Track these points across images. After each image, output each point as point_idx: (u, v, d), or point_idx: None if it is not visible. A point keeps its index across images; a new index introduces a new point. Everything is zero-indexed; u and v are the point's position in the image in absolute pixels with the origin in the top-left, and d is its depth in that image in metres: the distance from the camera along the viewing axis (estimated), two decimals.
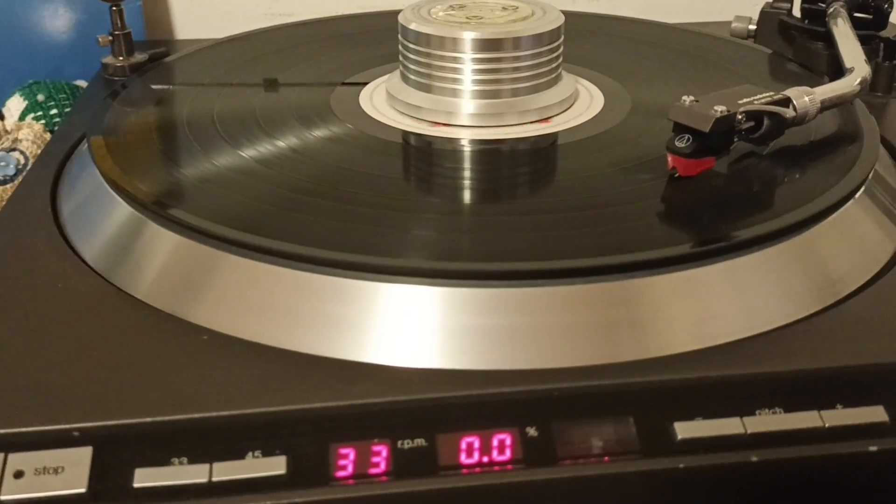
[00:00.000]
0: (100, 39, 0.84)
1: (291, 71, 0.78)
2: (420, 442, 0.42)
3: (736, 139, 0.56)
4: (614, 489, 0.42)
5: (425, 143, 0.64)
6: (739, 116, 0.54)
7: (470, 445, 0.42)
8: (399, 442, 0.42)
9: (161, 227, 0.53)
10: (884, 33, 0.80)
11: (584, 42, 0.83)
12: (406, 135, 0.64)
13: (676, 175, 0.55)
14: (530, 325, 0.47)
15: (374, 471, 0.41)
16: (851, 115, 0.67)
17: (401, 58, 0.68)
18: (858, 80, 0.65)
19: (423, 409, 0.43)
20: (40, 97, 0.87)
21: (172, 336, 0.47)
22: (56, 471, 0.40)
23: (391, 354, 0.46)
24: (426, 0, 0.70)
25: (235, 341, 0.47)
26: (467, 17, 0.66)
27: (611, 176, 0.59)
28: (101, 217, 0.57)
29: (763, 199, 0.56)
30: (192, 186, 0.58)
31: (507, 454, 0.42)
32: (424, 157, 0.65)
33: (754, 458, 0.42)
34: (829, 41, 0.77)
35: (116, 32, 0.84)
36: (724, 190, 0.57)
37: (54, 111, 0.86)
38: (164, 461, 0.40)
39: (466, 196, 0.58)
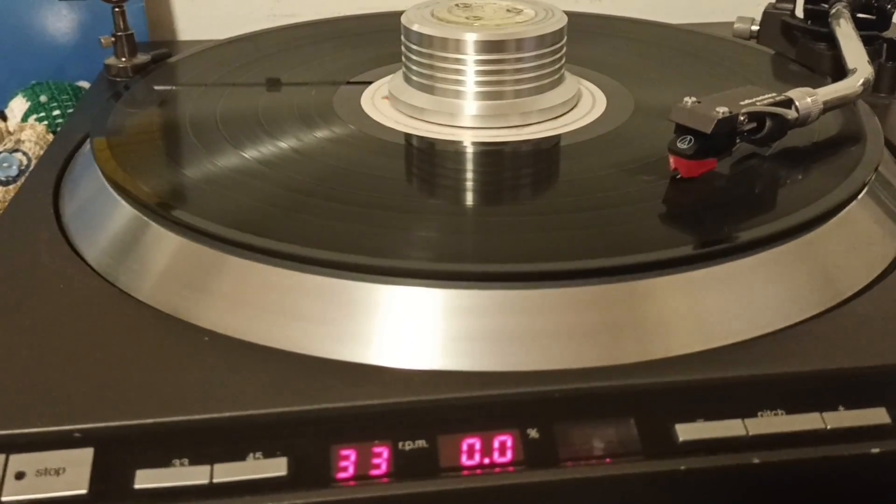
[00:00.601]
0: (102, 40, 0.84)
1: (294, 71, 0.78)
2: (421, 443, 0.42)
3: (738, 140, 0.56)
4: (616, 491, 0.42)
5: (428, 144, 0.64)
6: (741, 118, 0.54)
7: (471, 447, 0.42)
8: (400, 443, 0.42)
9: (163, 228, 0.53)
10: (887, 34, 0.80)
11: (586, 42, 0.83)
12: (408, 136, 0.64)
13: (678, 176, 0.55)
14: (532, 326, 0.47)
15: (375, 472, 0.41)
16: (854, 115, 0.67)
17: (403, 59, 0.68)
18: (861, 81, 0.65)
19: (424, 410, 0.43)
20: (43, 98, 0.87)
21: (174, 337, 0.47)
22: (57, 472, 0.40)
23: (392, 356, 0.46)
24: (429, 1, 0.70)
25: (237, 342, 0.47)
26: (470, 18, 0.66)
27: (613, 177, 0.59)
28: (103, 218, 0.57)
29: (765, 200, 0.56)
30: (195, 187, 0.58)
31: (509, 456, 0.42)
32: (427, 158, 0.65)
33: (756, 460, 0.42)
34: (832, 42, 0.77)
35: (119, 33, 0.84)
36: (726, 191, 0.57)
37: (57, 112, 0.86)
38: (165, 462, 0.40)
39: (468, 197, 0.58)
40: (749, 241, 0.50)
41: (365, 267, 0.48)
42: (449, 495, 0.41)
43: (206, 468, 0.40)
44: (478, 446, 0.42)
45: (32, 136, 0.81)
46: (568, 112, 0.67)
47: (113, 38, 0.84)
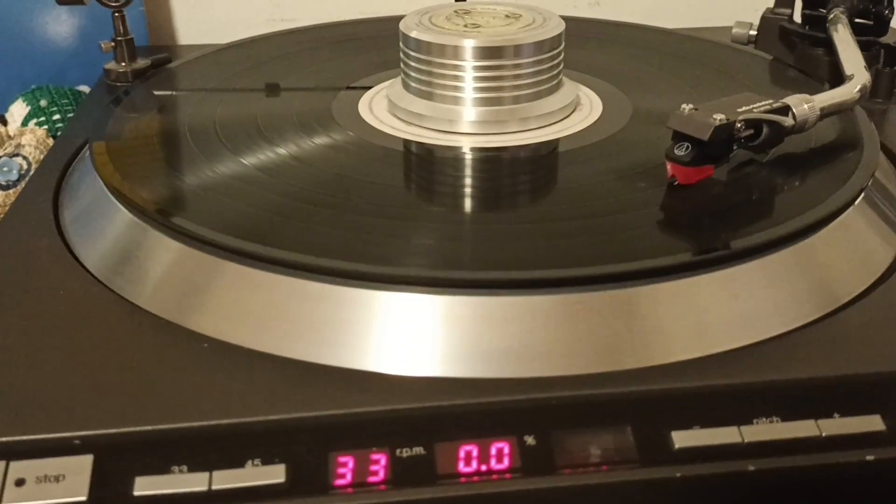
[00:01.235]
0: (102, 45, 0.84)
1: (293, 77, 0.78)
2: (419, 450, 0.42)
3: (735, 147, 0.57)
4: (612, 498, 0.42)
5: (426, 150, 0.64)
6: (738, 125, 0.54)
7: (468, 454, 0.42)
8: (398, 450, 0.42)
9: (162, 234, 0.53)
10: (884, 39, 0.80)
11: (584, 48, 0.83)
12: (407, 143, 0.65)
13: (676, 183, 0.56)
14: (529, 333, 0.47)
15: (372, 479, 0.41)
16: (851, 121, 0.67)
17: (402, 65, 0.68)
18: (858, 88, 0.65)
19: (421, 417, 0.43)
20: (43, 102, 0.87)
21: (173, 344, 0.47)
22: (57, 479, 0.40)
23: (390, 363, 0.46)
24: (427, 7, 0.70)
25: (236, 349, 0.47)
26: (468, 25, 0.66)
27: (610, 184, 0.59)
28: (102, 224, 0.57)
29: (763, 206, 0.56)
30: (193, 194, 0.58)
31: (506, 463, 0.42)
32: (425, 164, 0.65)
33: (751, 467, 0.42)
34: (830, 47, 0.77)
35: (119, 38, 0.84)
36: (723, 198, 0.57)
37: (57, 116, 0.87)
38: (164, 469, 0.41)
39: (466, 204, 0.58)
40: (746, 248, 0.51)
41: (362, 274, 0.48)
42: (446, 502, 0.41)
43: (204, 475, 0.41)
44: (475, 453, 0.42)
45: (32, 141, 0.82)
46: (566, 118, 0.68)
47: (113, 43, 0.84)
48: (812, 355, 0.46)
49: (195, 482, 0.40)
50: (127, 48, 0.84)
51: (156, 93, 0.76)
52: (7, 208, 0.66)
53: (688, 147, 0.54)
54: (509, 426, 0.43)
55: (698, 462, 0.42)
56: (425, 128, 0.66)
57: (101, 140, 0.64)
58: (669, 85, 0.76)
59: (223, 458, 0.41)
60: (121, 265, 0.54)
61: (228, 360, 0.46)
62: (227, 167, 0.61)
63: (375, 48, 0.83)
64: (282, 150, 0.63)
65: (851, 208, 0.56)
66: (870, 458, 0.43)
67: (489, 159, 0.63)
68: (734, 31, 0.89)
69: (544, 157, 0.64)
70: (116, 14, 0.83)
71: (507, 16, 0.68)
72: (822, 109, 0.60)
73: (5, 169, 0.79)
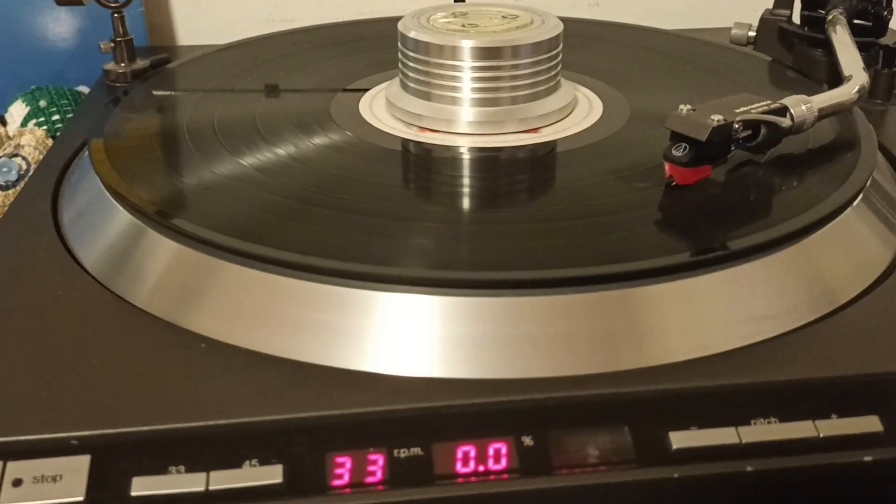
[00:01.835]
0: (102, 46, 0.84)
1: (292, 77, 0.78)
2: (416, 451, 0.42)
3: (733, 147, 0.57)
4: (609, 498, 0.42)
5: (424, 150, 0.64)
6: (736, 125, 0.55)
7: (466, 454, 0.42)
8: (395, 451, 0.42)
9: (160, 234, 0.53)
10: (883, 40, 0.80)
11: (583, 49, 0.83)
12: (405, 142, 0.65)
13: (673, 184, 0.56)
14: (527, 334, 0.47)
15: (370, 480, 0.41)
16: (849, 122, 0.67)
17: (400, 65, 0.68)
18: (857, 88, 0.66)
19: (419, 417, 0.43)
20: (42, 103, 0.87)
21: (171, 344, 0.47)
22: (54, 479, 0.40)
23: (388, 363, 0.46)
24: (426, 8, 0.70)
25: (233, 349, 0.47)
26: (466, 25, 0.66)
27: (609, 184, 0.59)
28: (100, 224, 0.57)
29: (761, 207, 0.56)
30: (192, 194, 0.58)
31: (503, 463, 0.42)
32: (423, 164, 0.65)
33: (749, 468, 0.42)
34: (829, 48, 0.77)
35: (118, 39, 0.84)
36: (721, 198, 0.57)
37: (56, 117, 0.87)
38: (161, 470, 0.41)
39: (464, 204, 0.58)
40: (744, 248, 0.51)
41: (360, 274, 0.48)
42: (444, 503, 0.41)
43: (202, 475, 0.41)
44: (472, 454, 0.42)
45: (32, 141, 0.82)
46: (564, 118, 0.68)
47: (112, 44, 0.84)
48: (810, 356, 0.46)
49: (192, 482, 0.40)
50: (126, 49, 0.84)
51: (155, 93, 0.76)
52: (6, 209, 0.66)
53: (685, 148, 0.54)
54: (507, 426, 0.43)
55: (696, 463, 0.42)
56: (423, 128, 0.66)
57: (100, 140, 0.64)
58: (668, 86, 0.76)
59: (220, 459, 0.41)
60: (119, 265, 0.54)
61: (226, 361, 0.46)
62: (226, 167, 0.61)
63: (375, 49, 0.83)
64: (280, 151, 0.63)
65: (850, 209, 0.56)
66: (867, 458, 0.43)
67: (487, 159, 0.63)
68: (733, 32, 0.89)
69: (542, 158, 0.64)
70: (116, 15, 0.84)
71: (504, 17, 0.68)
72: (820, 110, 0.60)
73: (4, 169, 0.79)
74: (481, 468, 0.42)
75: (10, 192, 0.78)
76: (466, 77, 0.64)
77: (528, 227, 0.54)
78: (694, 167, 0.55)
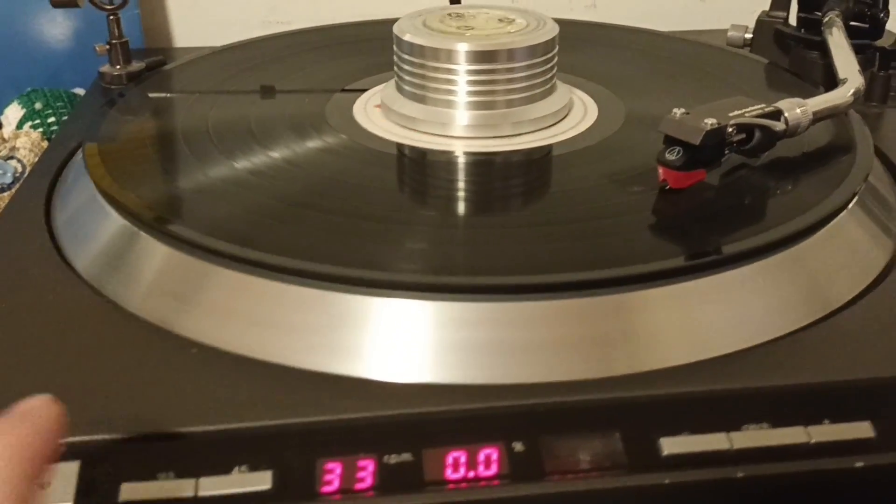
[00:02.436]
0: (97, 48, 0.84)
1: (288, 79, 0.78)
2: (406, 457, 0.42)
3: (727, 151, 0.56)
4: None
5: (419, 154, 0.64)
6: (730, 129, 0.55)
7: (456, 460, 0.42)
8: (385, 457, 0.42)
9: (152, 238, 0.53)
10: (879, 42, 0.80)
11: (579, 51, 0.83)
12: (400, 146, 0.65)
13: (667, 187, 0.56)
14: (519, 338, 0.47)
15: (360, 486, 0.41)
16: (844, 125, 0.67)
17: (395, 69, 0.68)
18: (852, 91, 0.66)
19: (409, 423, 0.43)
20: (38, 105, 0.87)
21: (162, 349, 0.47)
22: (42, 485, 0.40)
23: (378, 368, 0.46)
24: (421, 10, 0.70)
25: (224, 355, 0.47)
26: (461, 28, 0.66)
27: (604, 188, 0.59)
28: (93, 228, 0.57)
29: (755, 211, 0.56)
30: (185, 198, 0.58)
31: (494, 469, 0.42)
32: (418, 168, 0.65)
33: (740, 474, 0.42)
34: (825, 51, 0.77)
35: (114, 41, 0.84)
36: (716, 202, 0.57)
37: (52, 119, 0.87)
38: (150, 476, 0.41)
39: (459, 209, 0.58)
40: (738, 252, 0.51)
41: (352, 279, 0.48)
42: None
43: (191, 481, 0.40)
44: (463, 460, 0.42)
45: (27, 144, 0.82)
46: (560, 121, 0.68)
47: (108, 46, 0.84)
48: (802, 361, 0.47)
49: (182, 489, 0.40)
50: (122, 51, 0.84)
51: (150, 95, 0.76)
52: (1, 211, 0.66)
53: (679, 151, 0.54)
54: (497, 432, 0.43)
55: (687, 468, 0.42)
56: (419, 131, 0.66)
57: (94, 143, 0.64)
58: (663, 89, 0.76)
59: (210, 465, 0.41)
60: (111, 269, 0.54)
61: (216, 366, 0.46)
62: (219, 171, 0.61)
63: (372, 51, 0.83)
64: (275, 154, 0.63)
65: (844, 212, 0.57)
66: (859, 464, 0.43)
67: (482, 163, 0.63)
68: (729, 34, 0.90)
69: (537, 161, 0.64)
70: (111, 17, 0.84)
71: (500, 20, 0.68)
72: (814, 113, 0.60)
73: (0, 172, 0.79)
74: (472, 474, 0.42)
75: (6, 194, 0.79)
76: (462, 80, 0.64)
77: (520, 232, 0.54)
78: (688, 171, 0.55)
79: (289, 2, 1.03)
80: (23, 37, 0.96)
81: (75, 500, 0.40)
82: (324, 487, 0.41)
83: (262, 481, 0.41)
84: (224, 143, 0.65)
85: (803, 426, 0.43)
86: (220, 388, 0.44)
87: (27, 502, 0.31)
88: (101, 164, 0.61)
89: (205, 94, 0.75)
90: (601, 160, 0.62)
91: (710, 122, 0.53)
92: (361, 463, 0.41)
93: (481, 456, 0.42)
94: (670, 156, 0.55)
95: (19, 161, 0.81)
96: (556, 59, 0.67)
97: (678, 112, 0.55)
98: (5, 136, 0.85)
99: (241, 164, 0.61)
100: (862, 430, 0.43)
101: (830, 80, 0.72)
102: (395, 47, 0.67)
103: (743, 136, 0.56)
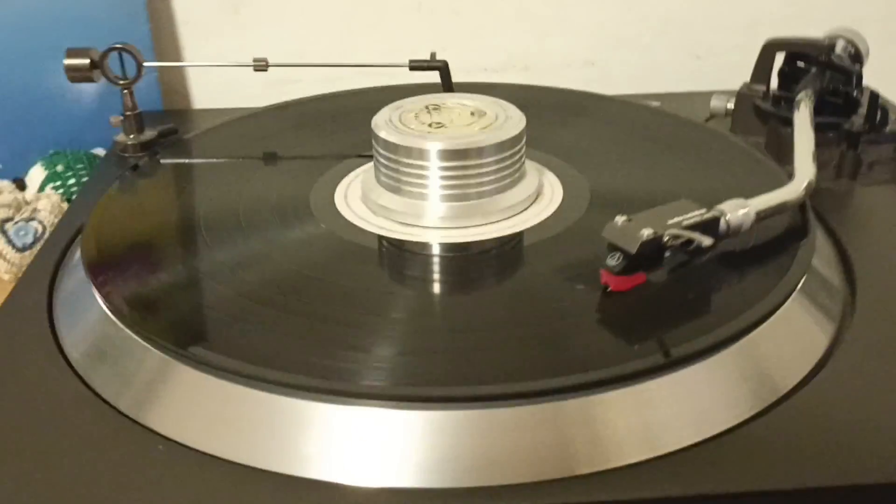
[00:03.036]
0: (112, 120, 0.89)
1: (293, 150, 0.83)
2: None
3: (667, 254, 0.59)
4: None
5: (394, 245, 0.67)
6: (666, 238, 0.57)
7: None
8: None
9: (129, 332, 0.57)
10: (847, 125, 0.82)
11: (559, 124, 0.86)
12: (375, 237, 0.67)
13: (609, 290, 0.58)
14: (485, 444, 0.49)
15: None
16: (792, 213, 0.68)
17: (374, 159, 0.71)
18: (804, 186, 0.67)
19: None
20: (59, 167, 0.93)
21: (132, 445, 0.50)
22: None
23: (341, 472, 0.48)
24: (402, 102, 0.74)
25: (193, 454, 0.50)
26: (433, 125, 0.69)
27: (557, 285, 0.61)
28: (83, 315, 0.61)
29: (703, 307, 0.58)
30: (161, 292, 0.62)
31: None
32: (393, 262, 0.67)
33: None
34: None
35: (128, 113, 0.89)
36: (665, 301, 0.59)
37: (72, 181, 0.92)
38: None
39: (427, 311, 0.60)
40: (690, 353, 0.53)
41: (315, 388, 0.50)
42: None
43: None
44: None
45: (47, 206, 0.87)
46: (527, 208, 0.71)
47: (122, 118, 0.89)
48: (748, 463, 0.49)
49: None
50: (135, 122, 0.89)
51: (162, 162, 0.82)
52: (23, 269, 0.72)
53: (620, 257, 0.57)
54: None
55: None
56: (395, 220, 0.69)
57: (91, 235, 0.69)
58: (632, 165, 0.79)
59: None
60: (96, 360, 0.57)
61: (182, 465, 0.48)
62: (202, 264, 0.65)
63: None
64: (255, 244, 0.67)
65: (789, 301, 0.59)
66: None
67: (451, 259, 0.66)
68: (713, 103, 0.92)
69: (503, 256, 0.66)
70: (125, 91, 0.88)
71: (472, 112, 0.71)
72: (759, 213, 0.62)
73: (22, 233, 0.84)
74: None
75: (27, 253, 0.83)
76: (434, 176, 0.67)
77: (484, 337, 0.56)
78: (627, 275, 0.58)
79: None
80: (45, 100, 1.01)
81: None
82: None
83: None
84: (210, 231, 0.69)
85: None
86: (184, 490, 0.47)
87: None
88: (95, 249, 0.66)
89: (202, 173, 0.80)
90: (560, 252, 0.65)
91: (647, 232, 0.56)
92: None
93: None
94: (611, 261, 0.57)
95: (40, 222, 0.86)
96: (523, 149, 0.70)
97: (620, 219, 0.57)
98: (27, 198, 0.90)
99: (222, 255, 0.65)
100: None
101: None
102: (373, 140, 0.70)
103: (683, 240, 0.58)
